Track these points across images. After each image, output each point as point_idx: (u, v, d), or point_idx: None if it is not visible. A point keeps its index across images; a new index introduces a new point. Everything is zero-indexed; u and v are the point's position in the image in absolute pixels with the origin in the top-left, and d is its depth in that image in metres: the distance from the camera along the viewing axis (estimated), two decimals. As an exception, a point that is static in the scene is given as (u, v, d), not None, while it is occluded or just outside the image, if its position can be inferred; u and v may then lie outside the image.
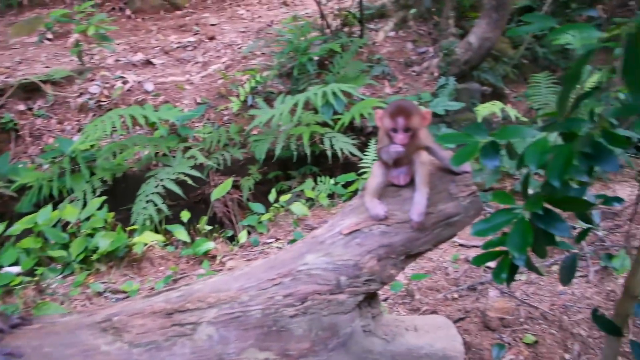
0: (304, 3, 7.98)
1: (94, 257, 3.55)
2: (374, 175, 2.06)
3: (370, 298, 2.25)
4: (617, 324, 1.94)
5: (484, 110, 5.01)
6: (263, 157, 5.12)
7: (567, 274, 2.12)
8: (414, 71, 6.41)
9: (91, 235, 3.66)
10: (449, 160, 2.07)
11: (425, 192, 1.98)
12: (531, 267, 1.85)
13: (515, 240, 1.54)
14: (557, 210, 1.68)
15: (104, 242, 3.49)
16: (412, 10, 7.00)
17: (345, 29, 6.46)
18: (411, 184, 2.05)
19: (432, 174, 2.10)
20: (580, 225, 2.84)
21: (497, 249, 1.88)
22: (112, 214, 3.97)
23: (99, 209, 3.89)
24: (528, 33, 1.50)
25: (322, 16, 6.07)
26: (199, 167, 5.22)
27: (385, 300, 3.38)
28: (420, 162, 1.98)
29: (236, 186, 5.75)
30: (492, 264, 1.87)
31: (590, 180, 1.60)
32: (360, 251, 2.02)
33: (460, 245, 4.02)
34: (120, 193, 5.19)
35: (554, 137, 1.65)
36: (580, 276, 3.36)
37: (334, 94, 4.85)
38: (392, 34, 6.92)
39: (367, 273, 2.01)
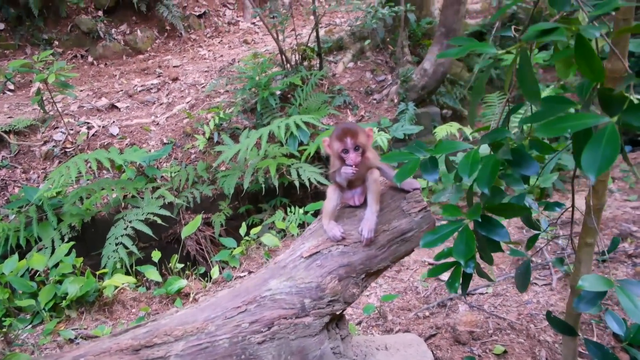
0: (264, 41, 8.19)
1: (64, 303, 3.50)
2: (329, 199, 2.14)
3: (338, 319, 2.30)
4: (569, 323, 2.04)
5: (442, 131, 5.20)
6: (232, 192, 5.17)
7: (522, 281, 2.22)
8: (374, 99, 6.61)
9: (60, 282, 3.62)
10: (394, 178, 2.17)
11: (376, 209, 2.07)
12: (481, 274, 1.94)
13: (461, 249, 1.63)
14: (499, 219, 1.80)
15: (73, 287, 3.45)
16: (367, 41, 7.27)
17: (305, 63, 6.65)
18: (366, 203, 2.14)
19: (384, 193, 2.20)
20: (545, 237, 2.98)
21: (449, 260, 1.98)
22: (80, 259, 3.94)
23: (67, 254, 3.86)
24: (456, 56, 1.63)
25: (281, 52, 6.25)
26: (169, 206, 5.24)
27: (359, 323, 3.42)
28: (373, 180, 2.08)
29: (208, 223, 5.76)
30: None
31: (525, 189, 1.72)
32: (321, 272, 2.08)
33: (430, 264, 4.11)
34: (89, 238, 5.15)
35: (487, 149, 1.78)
36: (545, 284, 3.47)
37: (297, 125, 4.98)
38: (351, 65, 7.15)
39: (329, 294, 2.07)
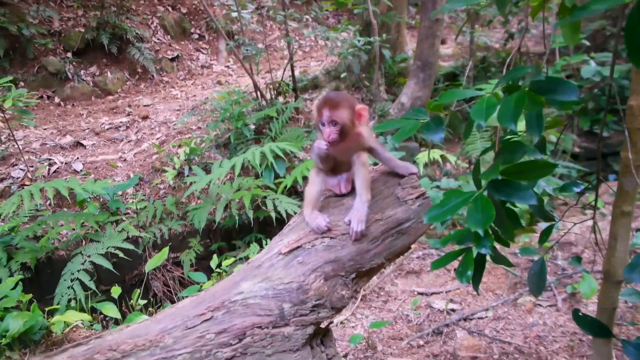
0: (239, 82, 8.04)
1: (4, 341, 2.99)
2: (312, 183, 1.83)
3: (323, 335, 1.92)
4: (603, 322, 1.71)
5: (424, 157, 4.99)
6: (203, 226, 4.78)
7: (537, 283, 1.91)
8: (352, 133, 6.42)
9: (2, 319, 3.12)
10: (394, 162, 1.88)
11: (366, 197, 1.76)
12: (499, 259, 1.62)
13: (477, 217, 1.33)
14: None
15: (15, 323, 2.95)
16: (344, 74, 7.17)
17: (280, 99, 6.48)
18: (354, 191, 1.83)
19: (376, 179, 1.90)
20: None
21: (457, 248, 1.66)
22: (29, 295, 3.44)
23: (13, 288, 3.37)
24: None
25: (256, 87, 6.08)
26: (135, 242, 4.79)
27: (345, 356, 3.00)
28: (361, 164, 1.78)
29: (176, 263, 5.30)
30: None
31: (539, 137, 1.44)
32: (303, 270, 1.73)
33: (420, 293, 3.75)
34: (45, 280, 4.62)
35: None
36: (549, 305, 3.15)
37: (274, 154, 4.70)
38: (327, 101, 7.00)
39: (314, 296, 1.71)
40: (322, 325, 1.89)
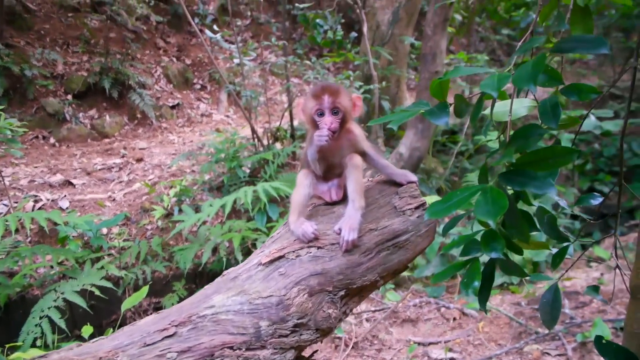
0: (237, 132, 8.01)
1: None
2: (299, 186, 1.64)
3: (306, 365, 1.66)
4: (632, 350, 1.47)
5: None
6: (188, 266, 4.52)
7: (550, 312, 1.67)
8: (349, 182, 6.28)
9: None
10: (390, 169, 1.71)
11: (359, 204, 1.57)
12: (510, 269, 1.41)
13: (487, 208, 1.14)
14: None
15: (-36, 359, 2.66)
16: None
17: (278, 145, 6.40)
18: (345, 200, 1.65)
19: (370, 188, 1.72)
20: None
21: (460, 260, 1.46)
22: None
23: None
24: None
25: (253, 130, 6.01)
26: (115, 284, 4.50)
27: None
28: (353, 166, 1.61)
29: (158, 308, 4.99)
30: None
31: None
32: (285, 283, 1.51)
33: (418, 343, 3.45)
34: (15, 321, 4.28)
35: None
36: (558, 355, 2.86)
37: (267, 195, 4.53)
38: (325, 150, 6.92)
39: (296, 313, 1.48)
40: (305, 354, 1.63)
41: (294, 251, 1.56)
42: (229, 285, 1.55)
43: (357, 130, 1.66)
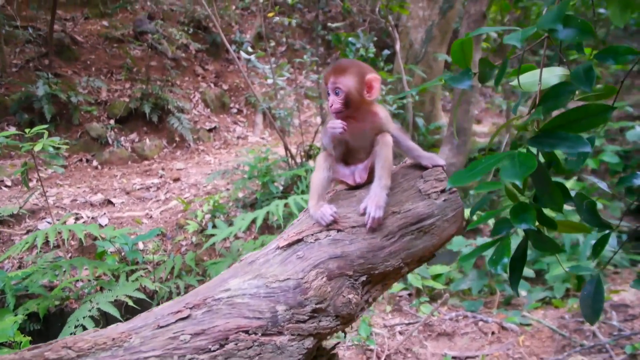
0: (272, 152, 8.08)
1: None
2: (318, 169, 1.59)
3: (329, 358, 1.58)
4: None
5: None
6: (220, 282, 4.49)
7: (592, 306, 1.54)
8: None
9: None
10: (417, 152, 1.64)
11: (385, 182, 1.51)
12: (543, 244, 1.30)
13: (513, 170, 1.06)
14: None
15: None
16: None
17: (311, 162, 6.39)
18: (369, 184, 1.58)
19: (394, 172, 1.65)
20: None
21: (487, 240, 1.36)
22: (28, 339, 3.19)
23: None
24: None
25: (286, 148, 6.04)
26: (150, 297, 4.52)
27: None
28: (384, 144, 1.55)
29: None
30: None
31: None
32: (303, 266, 1.45)
33: (454, 357, 3.27)
34: (54, 334, 4.34)
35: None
36: (607, 368, 2.64)
37: (299, 207, 4.49)
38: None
39: (314, 298, 1.41)
40: (326, 345, 1.55)
41: (312, 234, 1.50)
42: (245, 269, 1.50)
43: (382, 112, 1.60)
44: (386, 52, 6.85)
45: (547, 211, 1.32)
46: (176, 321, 1.38)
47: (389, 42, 9.76)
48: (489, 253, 1.44)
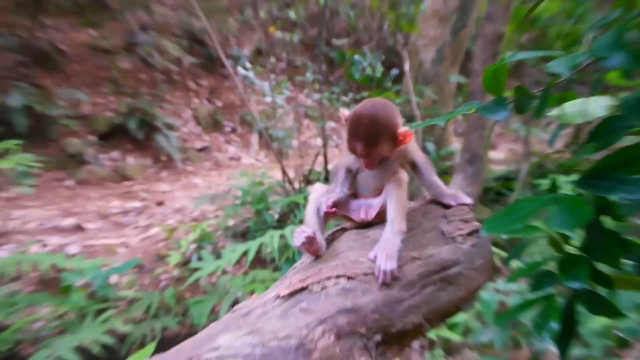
0: (267, 175, 7.98)
1: None
2: (312, 194, 1.53)
3: None
4: None
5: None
6: (203, 323, 4.31)
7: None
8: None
9: None
10: (440, 189, 1.54)
11: (399, 227, 1.40)
12: (598, 306, 1.17)
13: (563, 218, 0.94)
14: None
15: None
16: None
17: (310, 188, 6.29)
18: (382, 223, 1.47)
19: (413, 209, 1.54)
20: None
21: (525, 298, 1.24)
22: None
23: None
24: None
25: (284, 172, 5.93)
26: (120, 341, 4.33)
27: None
28: (397, 182, 1.44)
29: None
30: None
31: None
32: (307, 321, 1.31)
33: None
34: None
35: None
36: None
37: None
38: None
39: (319, 360, 1.27)
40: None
41: (319, 282, 1.37)
42: (239, 322, 1.36)
43: (410, 146, 1.51)
44: (394, 71, 6.82)
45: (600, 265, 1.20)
46: (151, 388, 1.24)
47: (396, 61, 9.79)
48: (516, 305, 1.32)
